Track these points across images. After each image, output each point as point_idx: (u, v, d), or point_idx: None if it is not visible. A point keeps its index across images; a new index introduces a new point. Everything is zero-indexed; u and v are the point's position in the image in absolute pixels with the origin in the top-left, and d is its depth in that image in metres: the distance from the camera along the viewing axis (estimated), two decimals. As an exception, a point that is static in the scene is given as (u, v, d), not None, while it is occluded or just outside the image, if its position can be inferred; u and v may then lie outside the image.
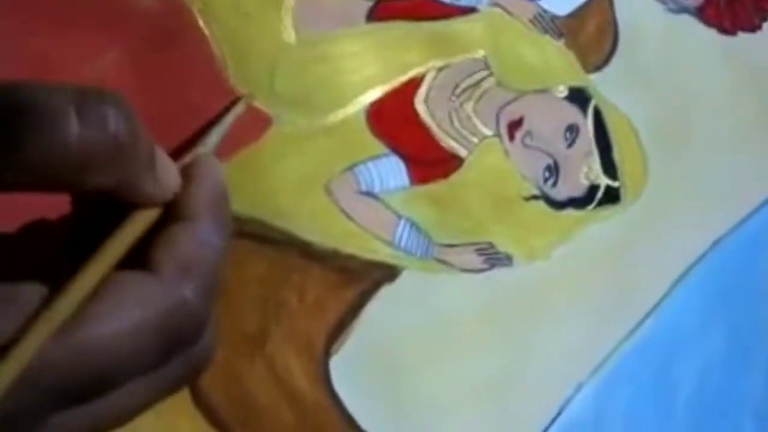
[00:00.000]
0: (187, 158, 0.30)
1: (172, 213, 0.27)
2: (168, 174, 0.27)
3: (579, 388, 0.56)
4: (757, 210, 0.59)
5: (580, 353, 0.56)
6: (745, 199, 0.59)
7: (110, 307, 0.24)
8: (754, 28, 0.59)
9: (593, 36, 0.55)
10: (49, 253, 0.27)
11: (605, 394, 0.56)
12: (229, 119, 0.32)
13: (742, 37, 0.59)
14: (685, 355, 0.58)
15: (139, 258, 0.26)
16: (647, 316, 0.57)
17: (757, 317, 0.59)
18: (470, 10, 0.52)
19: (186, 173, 0.29)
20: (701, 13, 0.58)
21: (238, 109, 0.34)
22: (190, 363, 0.27)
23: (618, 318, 0.56)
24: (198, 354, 0.28)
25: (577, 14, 0.55)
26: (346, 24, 0.50)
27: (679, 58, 0.57)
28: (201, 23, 0.48)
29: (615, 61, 0.56)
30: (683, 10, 0.57)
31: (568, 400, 0.55)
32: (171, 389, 0.28)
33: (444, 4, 0.52)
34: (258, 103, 0.48)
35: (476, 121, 0.53)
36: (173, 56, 0.47)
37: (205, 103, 0.47)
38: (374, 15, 0.50)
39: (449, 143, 0.52)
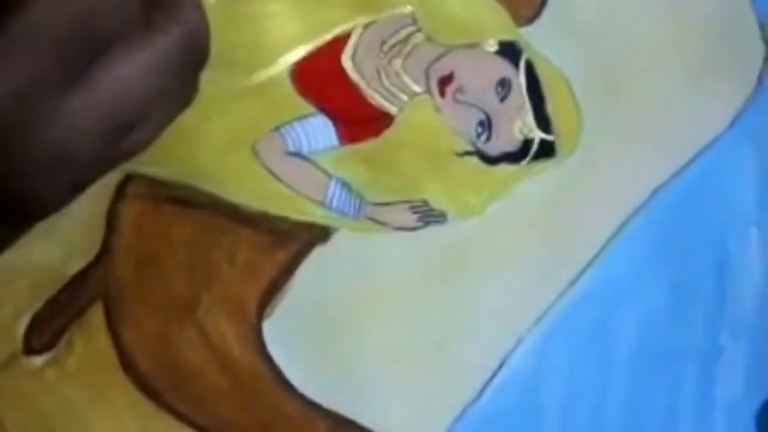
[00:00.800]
0: None
1: None
2: None
3: (519, 342, 0.56)
4: (695, 158, 0.59)
5: (519, 308, 0.56)
6: (683, 147, 0.59)
7: None
8: (686, -23, 0.58)
9: (523, -13, 0.54)
10: None
11: (545, 348, 0.56)
12: None
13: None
14: (625, 307, 0.58)
15: None
16: (585, 269, 0.57)
17: (696, 267, 0.59)
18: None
19: None
20: (634, -38, 0.57)
21: None
22: (179, 35, 0.27)
23: (556, 272, 0.56)
24: (187, 25, 0.27)
25: (506, -35, 0.54)
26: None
27: (612, 9, 0.57)
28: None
29: (546, 13, 0.55)
30: (615, -42, 0.57)
31: (508, 355, 0.55)
32: (166, 67, 0.27)
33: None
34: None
35: (405, 77, 0.52)
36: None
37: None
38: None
39: (379, 101, 0.52)
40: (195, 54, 0.28)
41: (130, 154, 0.28)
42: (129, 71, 0.26)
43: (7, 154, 0.23)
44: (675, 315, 0.59)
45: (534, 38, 0.55)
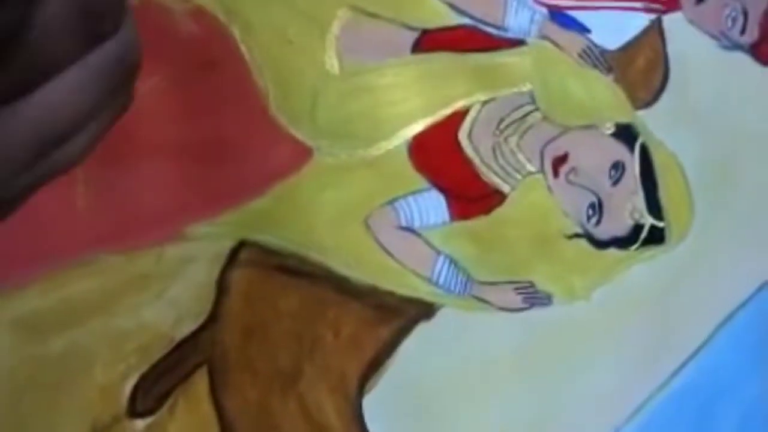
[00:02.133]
0: None
1: None
2: None
3: (616, 432, 0.54)
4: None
5: (617, 397, 0.54)
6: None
7: None
8: (808, 68, 0.57)
9: (643, 71, 0.54)
10: None
11: (642, 441, 0.54)
12: None
13: (797, 76, 0.57)
14: (725, 400, 0.56)
15: None
16: (687, 361, 0.55)
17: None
18: (518, 42, 0.51)
19: None
20: (755, 51, 0.56)
21: None
22: (114, 54, 0.27)
23: (657, 362, 0.55)
24: (121, 46, 0.27)
25: (627, 48, 0.53)
26: (391, 55, 0.48)
27: (731, 97, 0.56)
28: (243, 49, 0.46)
29: (665, 97, 0.54)
30: (737, 46, 0.56)
31: (604, 446, 0.54)
32: (100, 85, 0.27)
33: (491, 36, 0.50)
34: (299, 134, 0.47)
35: (520, 156, 0.51)
36: (214, 82, 0.46)
37: (244, 130, 0.46)
38: (420, 46, 0.49)
39: (492, 178, 0.51)
40: (129, 67, 0.28)
41: (68, 163, 0.28)
42: (61, 88, 0.26)
43: None
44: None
45: (651, 122, 0.54)
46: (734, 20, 0.55)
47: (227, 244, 0.47)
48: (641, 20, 0.54)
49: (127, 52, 0.27)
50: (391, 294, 0.49)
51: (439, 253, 0.50)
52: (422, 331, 0.51)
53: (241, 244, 0.47)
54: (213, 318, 0.46)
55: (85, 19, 0.26)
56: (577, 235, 0.53)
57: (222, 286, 0.46)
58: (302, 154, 0.47)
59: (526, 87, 0.52)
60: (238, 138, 0.46)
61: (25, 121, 0.25)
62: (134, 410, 0.45)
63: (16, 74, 0.25)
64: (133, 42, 0.28)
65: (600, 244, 0.53)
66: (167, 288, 0.45)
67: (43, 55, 0.25)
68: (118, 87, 0.28)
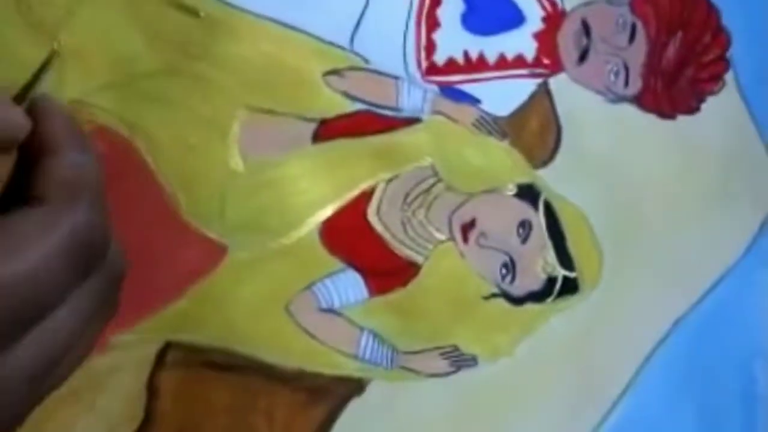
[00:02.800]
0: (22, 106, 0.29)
1: (34, 154, 0.27)
2: (14, 113, 0.27)
3: (556, 480, 0.56)
4: (713, 287, 0.60)
5: (554, 446, 0.56)
6: (700, 277, 0.60)
7: (12, 245, 0.25)
8: (692, 111, 0.60)
9: (537, 132, 0.56)
10: None
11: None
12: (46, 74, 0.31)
13: (682, 119, 0.60)
14: (657, 438, 0.58)
15: (16, 202, 0.26)
16: (615, 405, 0.57)
17: (723, 394, 0.59)
18: (414, 120, 0.53)
19: (32, 115, 0.28)
20: (640, 101, 0.59)
21: (53, 63, 0.32)
22: (106, 276, 0.28)
23: (587, 406, 0.57)
24: (111, 265, 0.28)
25: (518, 113, 0.56)
26: (292, 147, 0.51)
27: (623, 146, 0.59)
28: (148, 160, 0.48)
29: (561, 154, 0.57)
30: (622, 99, 0.59)
31: (546, 496, 0.55)
32: (96, 307, 0.28)
33: (386, 117, 0.53)
34: (212, 234, 0.49)
35: (429, 227, 0.53)
36: (123, 194, 0.48)
37: (155, 237, 0.48)
38: (319, 136, 0.51)
39: (405, 252, 0.53)
40: (118, 281, 0.29)
41: (57, 385, 0.29)
42: (50, 334, 0.27)
43: None
44: (707, 441, 0.59)
45: (551, 179, 0.57)
46: (617, 74, 0.58)
47: (153, 348, 0.48)
48: (528, 86, 0.57)
49: (119, 275, 0.29)
50: (319, 375, 0.51)
51: (362, 329, 0.52)
52: (356, 406, 0.52)
53: (167, 346, 0.48)
54: (146, 423, 0.47)
55: (80, 256, 0.27)
56: (494, 295, 0.55)
57: (152, 390, 0.48)
58: (216, 252, 0.49)
59: (427, 161, 0.54)
60: (150, 245, 0.48)
61: (23, 361, 0.26)
62: None
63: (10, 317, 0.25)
64: (123, 265, 0.29)
65: (517, 301, 0.56)
66: (97, 399, 0.47)
67: (40, 295, 0.26)
68: (108, 303, 0.29)
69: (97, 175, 0.28)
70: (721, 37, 0.61)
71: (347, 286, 0.52)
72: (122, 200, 0.47)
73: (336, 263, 0.52)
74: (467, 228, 0.55)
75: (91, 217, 0.27)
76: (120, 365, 0.47)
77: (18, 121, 0.27)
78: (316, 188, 0.51)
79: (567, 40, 0.58)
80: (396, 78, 0.54)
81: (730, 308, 0.61)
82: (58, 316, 0.26)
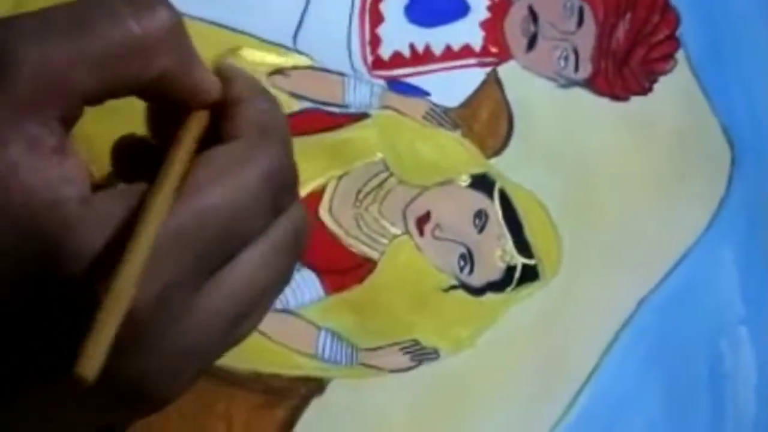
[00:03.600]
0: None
1: (223, 108, 0.29)
2: (209, 74, 0.29)
3: (527, 466, 0.56)
4: (676, 266, 0.60)
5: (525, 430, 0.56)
6: (662, 256, 0.60)
7: (213, 175, 0.26)
8: (645, 91, 0.60)
9: (488, 122, 0.56)
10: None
11: (550, 474, 0.56)
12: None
13: (635, 100, 0.60)
14: (625, 421, 0.58)
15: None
16: (582, 388, 0.57)
17: (690, 372, 0.59)
18: (361, 116, 0.53)
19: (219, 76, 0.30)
20: (592, 84, 0.59)
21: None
22: (294, 223, 0.29)
23: (553, 392, 0.57)
24: (296, 214, 0.30)
25: (468, 104, 0.56)
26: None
27: (576, 130, 0.59)
28: (91, 169, 0.48)
29: (514, 142, 0.57)
30: (573, 83, 0.59)
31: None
32: (285, 254, 0.29)
33: (334, 114, 0.53)
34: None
35: (384, 222, 0.53)
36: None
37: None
38: (266, 136, 0.50)
39: (360, 248, 0.53)
40: (301, 245, 0.30)
41: (240, 340, 0.30)
42: (251, 267, 0.28)
43: (140, 353, 0.25)
44: (675, 421, 0.59)
45: (505, 167, 0.57)
46: (566, 59, 0.58)
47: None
48: (477, 75, 0.57)
49: (300, 231, 0.29)
50: (277, 376, 0.51)
51: (320, 328, 0.52)
52: (317, 405, 0.52)
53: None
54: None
55: (275, 190, 0.28)
56: (453, 287, 0.55)
57: (107, 400, 0.47)
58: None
59: (378, 156, 0.54)
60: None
61: (225, 291, 0.27)
62: None
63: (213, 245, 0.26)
64: (305, 221, 0.30)
65: (477, 292, 0.55)
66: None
67: (240, 223, 0.27)
68: (291, 264, 0.30)
69: (284, 118, 0.30)
70: (669, 16, 0.60)
71: (302, 286, 0.52)
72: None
73: (290, 263, 0.51)
74: (422, 221, 0.54)
75: (284, 153, 0.28)
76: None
77: (212, 80, 0.29)
78: (265, 189, 0.51)
79: (514, 27, 0.58)
80: (342, 75, 0.53)
81: (694, 286, 0.61)
82: (257, 249, 0.27)
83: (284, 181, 0.29)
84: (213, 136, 0.29)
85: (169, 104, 0.29)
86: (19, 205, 0.24)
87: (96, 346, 0.23)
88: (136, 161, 0.32)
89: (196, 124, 0.29)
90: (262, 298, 0.29)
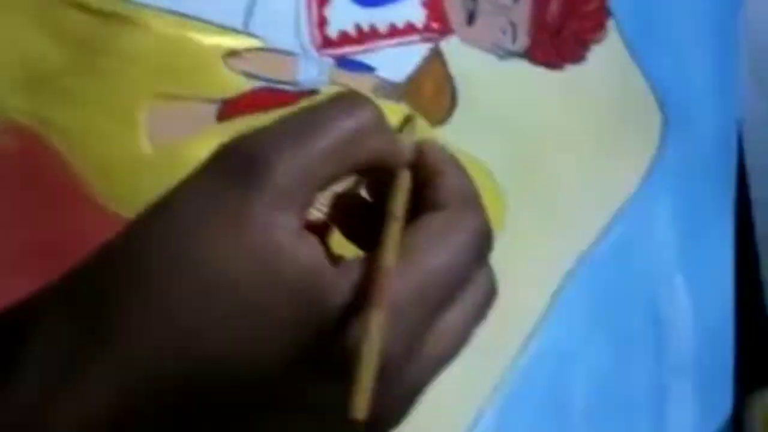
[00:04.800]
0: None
1: (424, 176, 0.34)
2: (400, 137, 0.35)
3: (480, 414, 0.60)
4: (612, 222, 0.64)
5: (474, 382, 0.60)
6: (600, 213, 0.64)
7: (435, 239, 0.31)
8: (579, 60, 0.64)
9: (432, 94, 0.60)
10: None
11: (505, 418, 0.60)
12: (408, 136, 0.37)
13: (570, 69, 0.64)
14: (574, 366, 0.62)
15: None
16: (528, 339, 0.61)
17: (632, 318, 0.64)
18: (312, 92, 0.57)
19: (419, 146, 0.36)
20: (529, 55, 0.63)
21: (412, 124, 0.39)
22: (489, 279, 0.34)
23: (501, 347, 0.61)
24: (490, 272, 0.35)
25: (413, 78, 0.60)
26: (198, 128, 0.54)
27: (516, 99, 0.63)
28: (62, 151, 0.51)
29: (457, 112, 0.61)
30: (512, 54, 0.63)
31: (470, 428, 0.59)
32: (484, 304, 0.34)
33: (286, 92, 0.56)
34: (127, 214, 0.52)
35: (335, 189, 0.57)
36: (41, 187, 0.51)
37: (78, 223, 0.52)
38: (223, 115, 0.54)
39: (313, 214, 0.56)
40: (494, 295, 0.35)
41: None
42: (462, 317, 0.33)
43: (386, 392, 0.29)
44: (620, 365, 0.64)
45: (450, 136, 0.61)
46: (504, 32, 0.62)
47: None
48: (420, 50, 0.60)
49: (494, 280, 0.35)
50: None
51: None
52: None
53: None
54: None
55: (481, 250, 0.33)
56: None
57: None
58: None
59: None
60: (69, 229, 0.52)
61: (442, 339, 0.31)
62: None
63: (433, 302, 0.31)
64: (493, 273, 0.35)
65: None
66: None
67: (457, 279, 0.32)
68: (487, 302, 0.34)
69: (476, 187, 0.35)
70: (599, -13, 0.65)
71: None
72: (42, 190, 0.51)
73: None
74: (373, 189, 0.58)
75: (485, 218, 0.34)
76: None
77: (406, 145, 0.35)
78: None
79: (454, 3, 0.62)
80: (292, 54, 0.57)
81: (632, 238, 0.65)
82: (465, 301, 0.32)
83: (488, 242, 0.34)
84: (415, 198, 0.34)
85: (375, 171, 0.33)
86: (289, 280, 0.29)
87: (362, 391, 0.27)
88: (353, 213, 0.37)
89: (404, 182, 0.33)
90: (465, 342, 0.33)
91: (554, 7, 0.63)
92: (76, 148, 0.52)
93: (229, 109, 0.55)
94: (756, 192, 0.72)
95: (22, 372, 0.29)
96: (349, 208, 0.38)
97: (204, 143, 0.54)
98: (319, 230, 0.35)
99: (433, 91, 0.60)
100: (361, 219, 0.36)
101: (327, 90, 0.58)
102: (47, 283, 0.32)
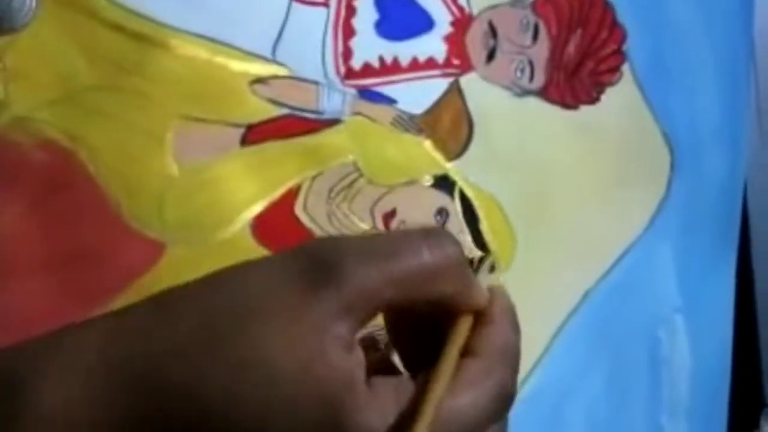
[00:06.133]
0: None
1: (477, 318, 0.35)
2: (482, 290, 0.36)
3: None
4: (619, 259, 0.66)
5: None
6: (606, 252, 0.66)
7: (465, 384, 0.32)
8: (593, 101, 0.66)
9: (449, 128, 0.62)
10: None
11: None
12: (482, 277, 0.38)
13: (584, 109, 0.65)
14: (571, 401, 0.64)
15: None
16: (532, 370, 0.63)
17: (630, 358, 0.65)
18: (334, 121, 0.58)
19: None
20: (544, 93, 0.65)
21: (486, 265, 0.40)
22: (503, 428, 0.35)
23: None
24: (506, 426, 0.35)
25: (432, 111, 0.61)
26: (222, 151, 0.55)
27: (530, 135, 0.64)
28: (90, 169, 0.53)
29: (473, 147, 0.62)
30: (527, 92, 0.64)
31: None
32: None
33: (309, 120, 0.58)
34: (152, 234, 0.53)
35: (353, 218, 0.59)
36: (68, 201, 0.53)
37: (100, 239, 0.53)
38: (248, 140, 0.56)
39: (331, 242, 0.58)
40: None
41: None
42: None
43: None
44: (616, 402, 0.65)
45: (465, 169, 0.62)
46: (522, 71, 0.64)
47: (102, 340, 0.53)
48: (441, 85, 0.62)
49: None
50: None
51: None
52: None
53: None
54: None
55: (500, 406, 0.33)
56: (416, 277, 0.60)
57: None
58: (156, 250, 0.54)
59: (349, 158, 0.59)
60: (94, 246, 0.53)
61: None
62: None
63: None
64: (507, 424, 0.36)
65: (437, 282, 0.61)
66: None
67: (476, 425, 0.32)
68: None
69: (519, 353, 0.35)
70: (616, 32, 0.66)
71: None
72: (68, 206, 0.52)
73: (268, 255, 0.57)
74: (388, 217, 0.60)
75: (513, 379, 0.34)
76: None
77: (485, 296, 0.35)
78: (246, 187, 0.56)
79: (475, 41, 0.63)
80: (317, 84, 0.59)
81: (635, 279, 0.67)
82: None
83: (510, 401, 0.34)
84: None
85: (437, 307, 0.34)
86: (324, 388, 0.29)
87: None
88: (412, 335, 0.37)
89: (465, 326, 0.34)
90: None
91: (572, 49, 0.65)
92: (103, 165, 0.53)
93: (253, 134, 0.57)
94: (756, 237, 0.73)
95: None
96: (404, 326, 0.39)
97: (228, 166, 0.56)
98: (372, 344, 0.35)
99: (451, 124, 0.62)
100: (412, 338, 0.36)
101: (348, 120, 0.59)
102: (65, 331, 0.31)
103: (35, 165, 0.52)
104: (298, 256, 0.31)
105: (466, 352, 0.34)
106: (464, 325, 0.34)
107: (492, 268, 0.39)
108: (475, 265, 0.37)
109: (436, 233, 0.33)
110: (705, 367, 0.69)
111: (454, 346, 0.33)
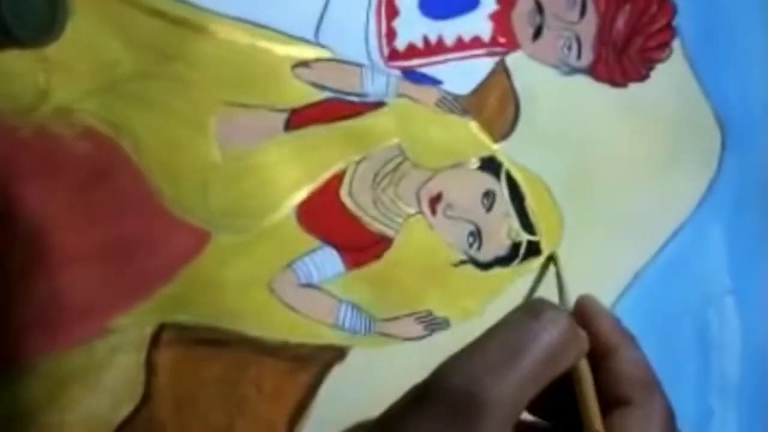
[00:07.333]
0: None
1: (592, 355, 0.36)
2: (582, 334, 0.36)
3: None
4: (668, 242, 0.64)
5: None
6: (656, 233, 0.64)
7: None
8: (642, 78, 0.63)
9: (496, 108, 0.60)
10: None
11: None
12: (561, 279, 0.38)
13: (633, 87, 0.63)
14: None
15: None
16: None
17: (679, 339, 0.64)
18: (378, 104, 0.57)
19: (581, 318, 0.38)
20: (593, 71, 0.63)
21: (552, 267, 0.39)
22: None
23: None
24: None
25: (478, 91, 0.60)
26: (266, 137, 0.54)
27: (578, 115, 0.62)
28: (133, 158, 0.52)
29: (520, 127, 0.61)
30: (576, 71, 0.62)
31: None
32: None
33: (353, 103, 0.56)
34: (196, 222, 0.52)
35: (399, 203, 0.57)
36: (112, 190, 0.52)
37: (145, 227, 0.52)
38: (291, 124, 0.55)
39: (377, 227, 0.57)
40: None
41: None
42: None
43: None
44: (666, 384, 0.64)
45: (511, 151, 0.60)
46: (569, 48, 0.62)
47: (148, 330, 0.52)
48: (487, 64, 0.60)
49: None
50: (303, 345, 0.55)
51: (341, 301, 0.56)
52: (338, 372, 0.56)
53: (161, 327, 0.52)
54: (146, 397, 0.52)
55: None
56: (462, 262, 0.59)
57: (150, 368, 0.52)
58: (201, 238, 0.53)
59: (394, 141, 0.58)
60: (140, 235, 0.52)
61: None
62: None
63: None
64: None
65: (484, 266, 0.60)
66: (101, 378, 0.51)
67: None
68: None
69: (650, 366, 0.36)
70: (666, 7, 0.64)
71: (324, 262, 0.56)
72: (113, 195, 0.51)
73: (313, 241, 0.56)
74: (434, 201, 0.59)
75: (666, 400, 0.35)
76: (119, 347, 0.51)
77: (585, 338, 0.35)
78: (290, 173, 0.55)
79: (521, 18, 0.61)
80: (360, 66, 0.57)
81: (685, 260, 0.65)
82: None
83: (675, 419, 0.35)
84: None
85: None
86: None
87: None
88: None
89: (587, 370, 0.35)
90: None
91: (620, 24, 0.63)
92: (146, 152, 0.52)
93: (297, 118, 0.55)
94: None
95: None
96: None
97: (273, 152, 0.55)
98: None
99: (497, 105, 0.60)
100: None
101: (393, 102, 0.58)
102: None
103: (79, 155, 0.51)
104: (436, 402, 0.33)
105: (611, 402, 0.34)
106: (586, 368, 0.35)
107: (554, 264, 0.38)
108: (541, 267, 0.37)
109: (540, 310, 0.33)
110: (755, 349, 0.67)
111: (586, 384, 0.34)
